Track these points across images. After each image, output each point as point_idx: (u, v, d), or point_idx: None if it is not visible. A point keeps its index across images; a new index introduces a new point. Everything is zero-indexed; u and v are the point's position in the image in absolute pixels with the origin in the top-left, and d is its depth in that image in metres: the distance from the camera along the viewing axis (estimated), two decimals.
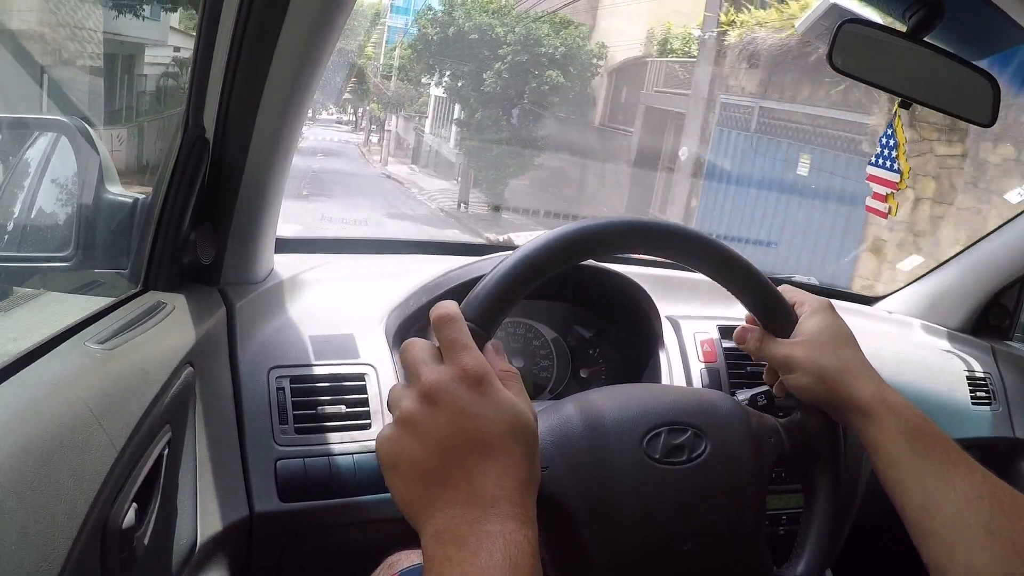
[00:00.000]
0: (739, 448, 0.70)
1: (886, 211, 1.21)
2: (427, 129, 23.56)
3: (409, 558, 0.93)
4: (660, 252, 0.73)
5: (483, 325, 0.61)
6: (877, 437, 0.68)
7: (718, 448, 0.69)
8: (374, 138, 28.06)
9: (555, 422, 0.68)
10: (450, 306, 0.57)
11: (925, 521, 0.64)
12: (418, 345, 0.56)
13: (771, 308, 0.77)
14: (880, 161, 1.15)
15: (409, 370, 0.55)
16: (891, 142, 1.11)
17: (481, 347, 0.58)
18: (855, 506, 1.09)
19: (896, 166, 1.12)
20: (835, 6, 0.86)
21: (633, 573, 0.65)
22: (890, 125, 1.10)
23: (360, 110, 32.01)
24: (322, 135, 27.31)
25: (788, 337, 0.75)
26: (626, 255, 1.45)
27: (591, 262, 1.20)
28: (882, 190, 1.18)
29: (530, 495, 0.53)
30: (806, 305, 0.77)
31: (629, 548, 0.64)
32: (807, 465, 0.75)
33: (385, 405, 1.02)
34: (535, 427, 0.56)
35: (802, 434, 0.75)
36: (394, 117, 25.11)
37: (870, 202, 1.22)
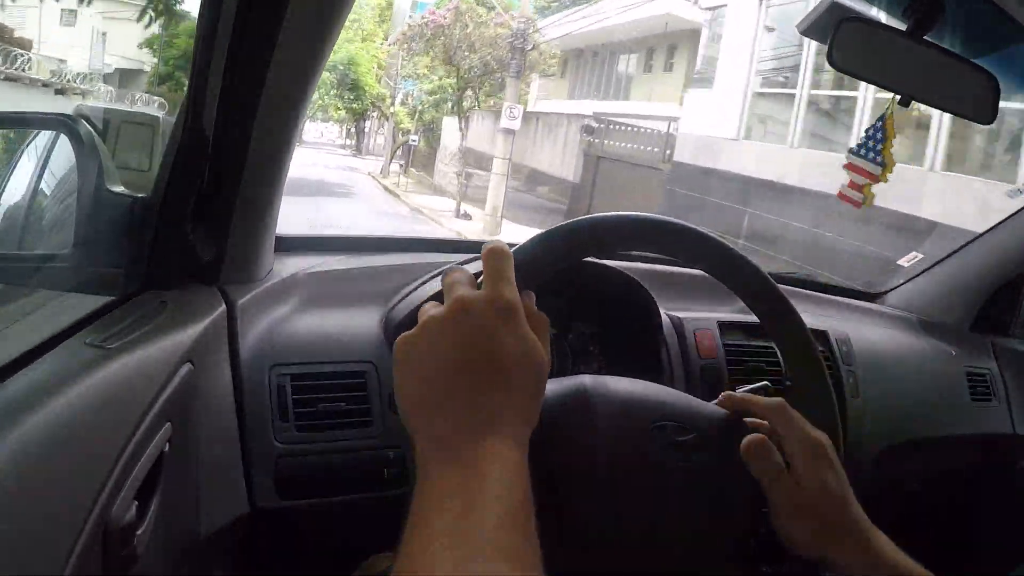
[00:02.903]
0: (737, 467, 0.70)
1: (860, 200, 1.21)
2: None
3: (386, 561, 0.94)
4: (713, 272, 0.74)
5: (526, 270, 0.62)
6: None
7: (717, 460, 0.69)
8: (397, 164, 19.17)
9: (564, 385, 0.69)
10: (503, 244, 0.59)
11: None
12: (459, 271, 0.58)
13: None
14: (863, 152, 1.15)
15: (446, 290, 0.57)
16: (879, 135, 1.12)
17: (520, 284, 0.59)
18: None
19: (880, 159, 1.12)
20: (836, 3, 0.86)
21: (598, 548, 0.65)
22: (881, 118, 1.09)
23: (367, 124, 23.43)
24: (313, 160, 18.16)
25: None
26: (630, 252, 1.45)
27: (592, 259, 1.20)
28: (859, 179, 1.18)
29: (528, 429, 0.54)
30: (794, 444, 0.67)
31: (599, 523, 0.65)
32: None
33: (385, 403, 1.02)
34: (547, 371, 0.57)
35: None
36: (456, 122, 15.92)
37: (844, 190, 1.22)
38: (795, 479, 0.65)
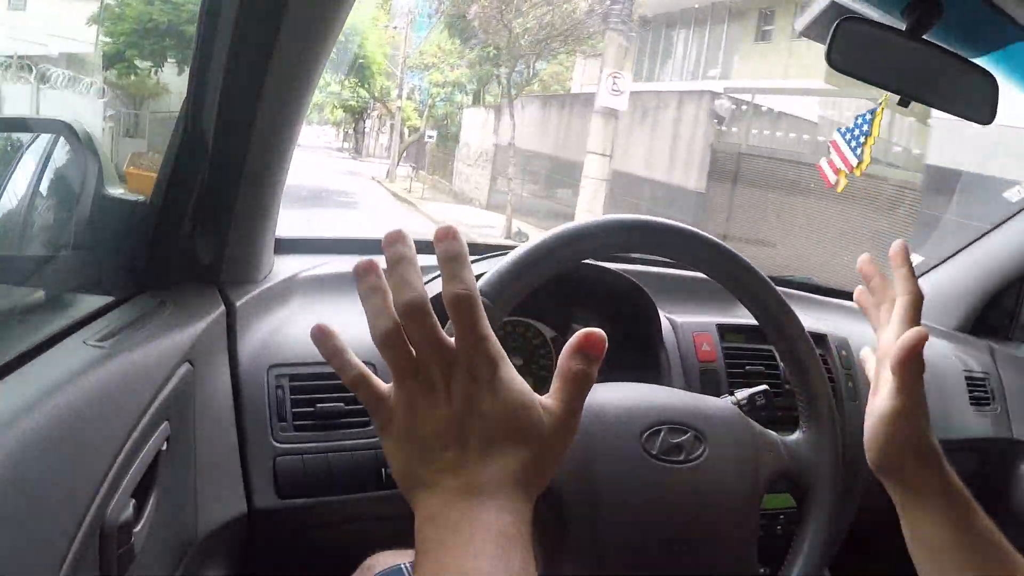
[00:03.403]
0: (737, 457, 0.70)
1: (833, 183, 1.23)
2: None
3: (386, 559, 0.94)
4: (712, 275, 0.74)
5: (495, 300, 0.61)
6: (921, 525, 0.68)
7: (716, 453, 0.69)
8: (407, 167, 16.17)
9: None
10: (468, 289, 0.51)
11: None
12: (433, 318, 0.52)
13: (808, 387, 0.77)
14: (848, 138, 1.16)
15: (422, 344, 0.51)
16: (865, 128, 1.13)
17: (492, 321, 0.55)
18: (849, 520, 1.09)
19: (859, 152, 1.13)
20: (834, 3, 0.86)
21: (614, 564, 0.65)
22: (871, 112, 1.10)
23: (367, 124, 20.28)
24: (309, 163, 15.38)
25: (812, 417, 0.76)
26: (627, 254, 1.46)
27: (591, 261, 1.20)
28: (838, 163, 1.20)
29: (529, 493, 0.52)
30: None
31: (614, 536, 0.65)
32: (804, 482, 0.75)
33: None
34: (560, 427, 0.53)
35: (802, 452, 0.76)
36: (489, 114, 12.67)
37: (824, 164, 1.24)
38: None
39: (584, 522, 0.64)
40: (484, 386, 0.51)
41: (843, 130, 1.19)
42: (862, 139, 1.14)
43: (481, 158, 12.87)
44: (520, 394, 0.52)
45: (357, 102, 17.41)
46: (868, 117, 1.13)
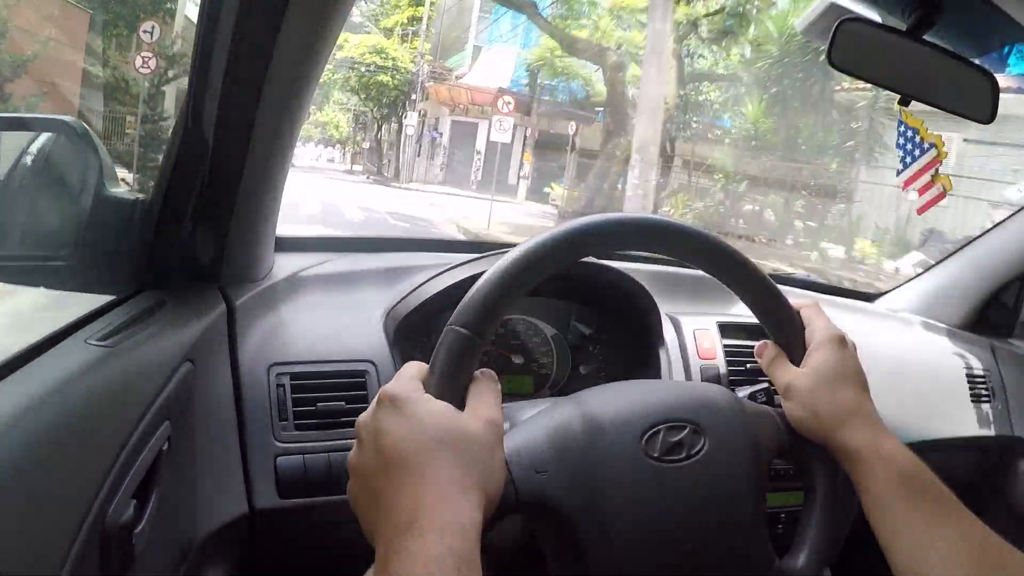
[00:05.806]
0: (737, 442, 0.70)
1: (941, 191, 1.20)
2: None
3: None
4: (667, 251, 0.73)
5: (477, 330, 0.61)
6: (867, 482, 0.68)
7: (716, 443, 0.69)
8: (481, 204, 8.89)
9: (552, 424, 0.68)
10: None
11: (911, 569, 0.64)
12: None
13: (784, 331, 0.76)
14: (908, 159, 1.15)
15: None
16: (909, 132, 1.12)
17: (476, 353, 0.61)
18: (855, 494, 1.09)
19: (926, 146, 1.12)
20: (834, 4, 0.86)
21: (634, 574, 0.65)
22: (900, 123, 1.10)
23: (403, 122, 11.97)
24: (310, 194, 10.33)
25: (800, 363, 0.74)
26: (626, 252, 1.46)
27: (591, 259, 1.20)
28: (926, 179, 1.18)
29: (459, 499, 0.53)
30: (816, 334, 0.75)
31: (630, 549, 0.64)
32: (806, 456, 0.75)
33: None
34: (473, 428, 0.57)
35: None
36: None
37: (921, 201, 1.22)
38: (815, 366, 0.72)
39: (597, 537, 0.64)
40: (388, 412, 0.56)
41: (900, 167, 1.17)
42: (916, 136, 1.12)
43: None
44: (430, 406, 0.57)
45: (394, 80, 10.52)
46: (903, 127, 1.11)
